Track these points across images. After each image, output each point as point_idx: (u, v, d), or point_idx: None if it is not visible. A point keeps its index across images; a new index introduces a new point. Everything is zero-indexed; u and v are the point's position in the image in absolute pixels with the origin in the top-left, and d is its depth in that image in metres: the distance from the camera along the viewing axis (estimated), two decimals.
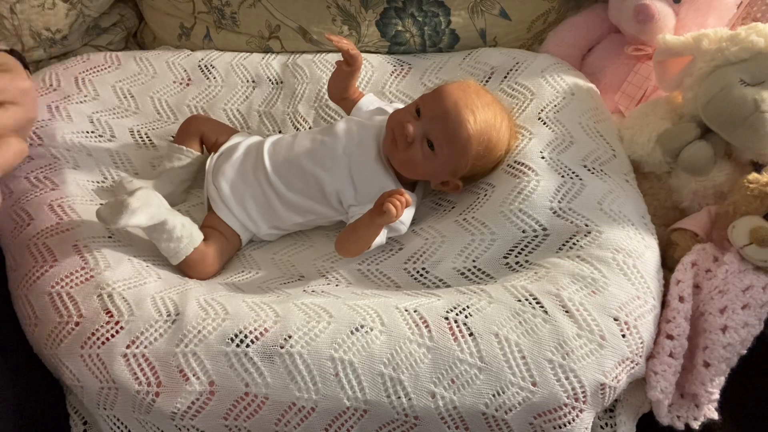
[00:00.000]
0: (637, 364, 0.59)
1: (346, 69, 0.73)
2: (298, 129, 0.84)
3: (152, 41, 0.98)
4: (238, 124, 0.85)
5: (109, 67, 0.85)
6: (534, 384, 0.56)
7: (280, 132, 0.84)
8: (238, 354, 0.56)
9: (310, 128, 0.84)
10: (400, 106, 0.78)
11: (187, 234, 0.66)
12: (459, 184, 0.72)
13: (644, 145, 0.74)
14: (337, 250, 0.69)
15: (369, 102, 0.77)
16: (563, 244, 0.65)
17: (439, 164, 0.69)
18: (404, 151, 0.68)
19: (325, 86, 0.82)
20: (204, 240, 0.69)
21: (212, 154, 0.77)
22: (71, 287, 0.60)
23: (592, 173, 0.70)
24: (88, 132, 0.79)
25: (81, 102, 0.81)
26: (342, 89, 0.76)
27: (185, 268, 0.68)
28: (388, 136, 0.70)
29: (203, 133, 0.78)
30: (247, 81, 0.88)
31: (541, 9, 0.89)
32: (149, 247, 0.68)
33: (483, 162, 0.70)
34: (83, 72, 0.83)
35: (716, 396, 0.60)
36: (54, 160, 0.73)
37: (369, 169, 0.71)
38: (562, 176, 0.69)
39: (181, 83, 0.87)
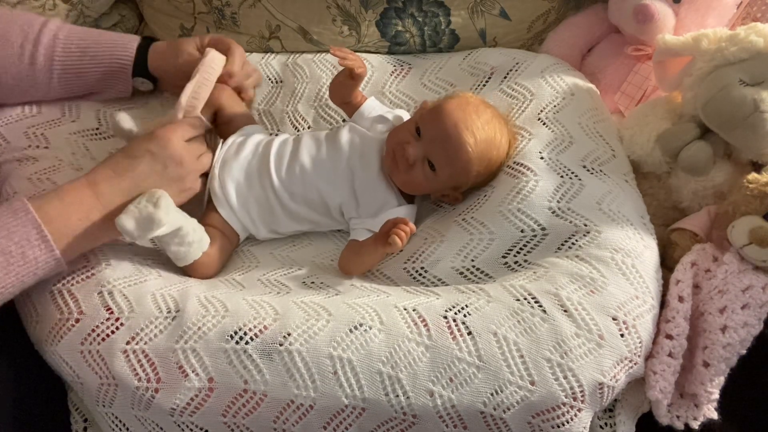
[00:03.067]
0: (635, 364, 0.59)
1: (351, 82, 0.73)
2: (297, 128, 0.84)
3: None
4: None
5: None
6: (532, 383, 0.56)
7: (278, 131, 0.84)
8: (237, 351, 0.56)
9: (309, 127, 0.83)
10: (402, 112, 0.78)
11: (198, 238, 0.65)
12: (459, 196, 0.73)
13: (644, 145, 0.74)
14: (342, 270, 0.69)
15: (371, 107, 0.76)
16: (562, 244, 0.65)
17: (441, 183, 0.70)
18: (405, 172, 0.69)
19: (325, 86, 0.83)
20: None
21: (222, 143, 0.74)
22: (72, 285, 0.60)
23: (592, 173, 0.70)
24: (93, 129, 0.79)
25: (93, 101, 0.81)
26: (344, 95, 0.75)
27: (189, 270, 0.67)
28: (388, 155, 0.71)
29: (221, 107, 0.75)
30: None
31: (541, 9, 0.89)
32: (150, 246, 0.69)
33: (483, 178, 0.72)
34: None
35: (716, 396, 0.60)
36: (57, 162, 0.73)
37: (371, 183, 0.71)
38: (561, 176, 0.69)
39: None
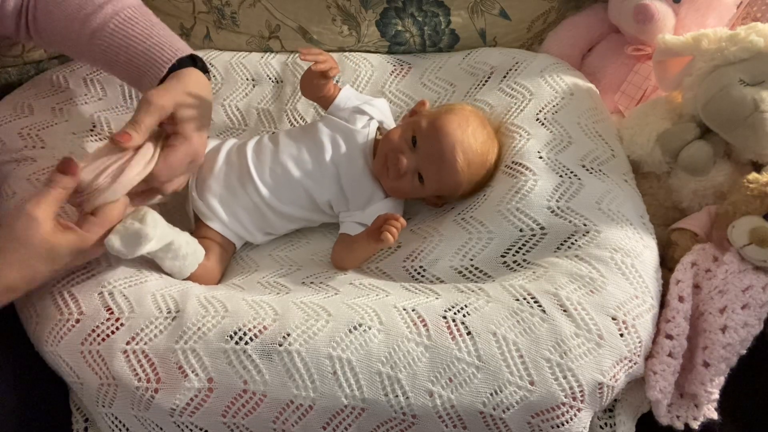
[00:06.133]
0: (635, 364, 0.59)
1: (324, 81, 0.72)
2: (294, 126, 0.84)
3: None
4: (237, 121, 0.86)
5: None
6: (532, 383, 0.56)
7: (276, 129, 0.84)
8: (236, 351, 0.56)
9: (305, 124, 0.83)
10: (380, 101, 0.77)
11: (192, 251, 0.65)
12: (440, 204, 0.74)
13: (644, 145, 0.74)
14: (334, 265, 0.70)
15: (346, 98, 0.75)
16: (561, 244, 0.65)
17: (426, 193, 0.72)
18: (394, 179, 0.70)
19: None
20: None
21: None
22: (72, 285, 0.61)
23: (591, 173, 0.70)
24: (87, 131, 0.80)
25: (85, 103, 0.81)
26: (318, 91, 0.74)
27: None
28: (379, 158, 0.71)
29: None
30: (247, 79, 0.88)
31: (541, 9, 0.89)
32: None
33: (467, 193, 0.73)
34: (91, 72, 0.84)
35: (716, 396, 0.60)
36: (56, 162, 0.73)
37: (358, 178, 0.72)
38: (560, 176, 0.69)
39: None
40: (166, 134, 0.62)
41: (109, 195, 0.57)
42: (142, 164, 0.58)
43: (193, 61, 0.65)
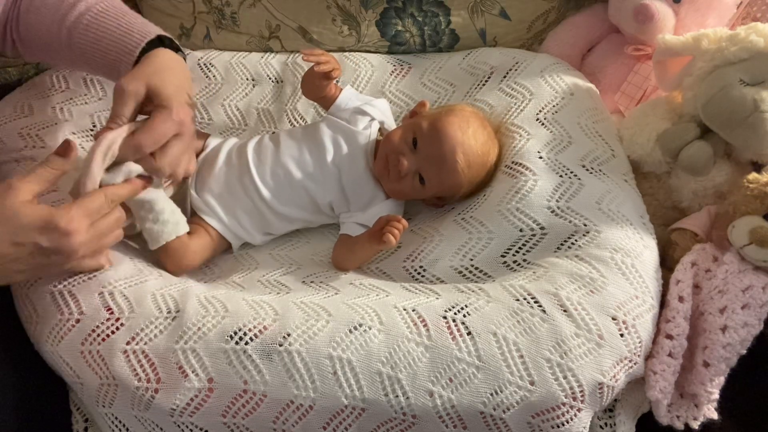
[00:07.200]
0: (635, 364, 0.59)
1: (326, 82, 0.72)
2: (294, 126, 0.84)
3: None
4: (236, 121, 0.86)
5: None
6: (532, 383, 0.56)
7: (276, 128, 0.84)
8: (237, 351, 0.56)
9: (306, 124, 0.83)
10: (380, 101, 0.77)
11: (174, 221, 0.65)
12: (441, 204, 0.74)
13: (644, 145, 0.74)
14: (335, 266, 0.70)
15: (347, 99, 0.75)
16: (562, 244, 0.65)
17: (426, 194, 0.72)
18: (395, 181, 0.70)
19: None
20: (189, 233, 0.67)
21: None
22: (73, 286, 0.60)
23: (591, 173, 0.70)
24: (87, 130, 0.80)
25: (85, 103, 0.81)
26: (319, 92, 0.75)
27: (162, 256, 0.66)
28: (380, 159, 0.71)
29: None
30: (247, 79, 0.88)
31: (541, 9, 0.89)
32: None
33: (470, 193, 0.73)
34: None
35: (716, 396, 0.60)
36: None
37: (359, 179, 0.72)
38: (561, 176, 0.69)
39: None
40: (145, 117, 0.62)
41: (88, 173, 0.56)
42: (114, 137, 0.58)
43: (161, 42, 0.65)
